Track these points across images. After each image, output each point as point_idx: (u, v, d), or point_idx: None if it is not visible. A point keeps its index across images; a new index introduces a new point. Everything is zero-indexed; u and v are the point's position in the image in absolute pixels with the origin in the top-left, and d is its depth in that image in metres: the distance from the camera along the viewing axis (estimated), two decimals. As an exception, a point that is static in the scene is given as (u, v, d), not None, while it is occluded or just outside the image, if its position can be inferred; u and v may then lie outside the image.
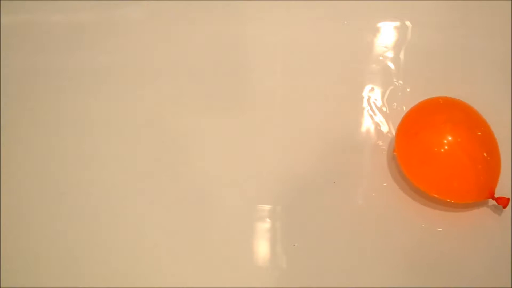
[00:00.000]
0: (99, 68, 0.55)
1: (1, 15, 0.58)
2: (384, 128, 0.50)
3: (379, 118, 0.51)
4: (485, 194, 0.44)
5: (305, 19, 0.57)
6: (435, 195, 0.45)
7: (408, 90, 0.52)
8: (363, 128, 0.51)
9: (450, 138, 0.44)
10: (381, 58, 0.54)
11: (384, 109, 0.51)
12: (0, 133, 0.51)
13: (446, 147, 0.44)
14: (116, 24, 0.58)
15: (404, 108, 0.51)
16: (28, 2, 0.58)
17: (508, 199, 0.44)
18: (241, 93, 0.53)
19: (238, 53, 0.55)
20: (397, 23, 0.56)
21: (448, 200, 0.45)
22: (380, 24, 0.56)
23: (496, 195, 0.44)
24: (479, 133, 0.45)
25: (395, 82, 0.53)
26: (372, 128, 0.50)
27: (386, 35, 0.55)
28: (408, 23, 0.56)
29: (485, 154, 0.44)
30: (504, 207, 0.44)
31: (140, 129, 0.52)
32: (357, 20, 0.56)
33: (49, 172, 0.50)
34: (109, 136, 0.51)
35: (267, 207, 0.47)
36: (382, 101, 0.51)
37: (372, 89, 0.52)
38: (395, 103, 0.51)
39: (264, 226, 0.47)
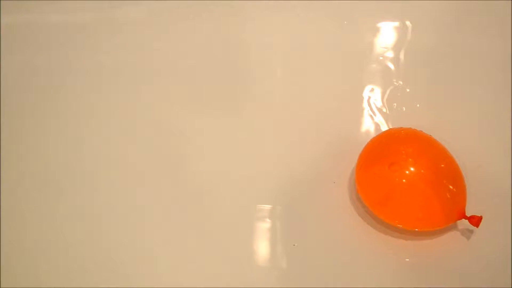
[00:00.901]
0: (99, 68, 0.55)
1: (1, 15, 0.58)
2: (384, 128, 0.50)
3: (379, 118, 0.51)
4: (456, 216, 0.43)
5: (305, 19, 0.57)
6: (400, 226, 0.45)
7: (408, 90, 0.52)
8: (363, 128, 0.51)
9: (412, 169, 0.44)
10: (381, 58, 0.54)
11: (384, 109, 0.51)
12: (0, 133, 0.51)
13: (408, 178, 0.43)
14: (116, 24, 0.58)
15: (404, 108, 0.51)
16: (28, 2, 0.58)
17: (481, 217, 0.43)
18: (241, 93, 0.53)
19: (238, 53, 0.55)
20: (397, 23, 0.56)
21: (416, 230, 0.45)
22: (380, 24, 0.56)
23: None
24: (442, 165, 0.45)
25: (395, 83, 0.53)
26: (372, 129, 0.50)
27: (386, 35, 0.55)
28: (408, 23, 0.56)
29: (450, 185, 0.44)
30: (477, 226, 0.43)
31: (139, 129, 0.52)
32: (357, 20, 0.56)
33: (49, 172, 0.50)
34: (108, 135, 0.52)
35: (267, 207, 0.47)
36: (382, 102, 0.52)
37: (372, 89, 0.52)
38: (395, 104, 0.51)
39: (264, 226, 0.47)
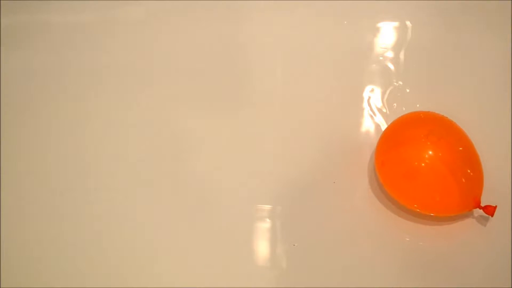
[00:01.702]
0: (99, 68, 0.55)
1: (1, 15, 0.58)
2: (384, 128, 0.50)
3: (379, 118, 0.51)
4: (471, 205, 0.44)
5: (305, 19, 0.57)
6: (417, 210, 0.45)
7: (408, 90, 0.52)
8: (363, 128, 0.51)
9: (430, 152, 0.44)
10: (381, 58, 0.54)
11: (384, 109, 0.51)
12: (0, 133, 0.51)
13: (427, 161, 0.44)
14: (116, 24, 0.58)
15: (404, 108, 0.51)
16: (28, 2, 0.58)
17: (495, 207, 0.43)
18: (241, 93, 0.53)
19: (238, 53, 0.55)
20: (397, 23, 0.56)
21: (432, 214, 0.45)
22: (380, 24, 0.56)
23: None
24: (461, 148, 0.45)
25: (395, 83, 0.53)
26: (372, 129, 0.50)
27: (386, 35, 0.55)
28: (408, 23, 0.56)
29: (467, 169, 0.44)
30: (491, 215, 0.44)
31: (139, 129, 0.52)
32: (357, 20, 0.56)
33: (49, 172, 0.50)
34: (109, 135, 0.52)
35: (267, 207, 0.47)
36: (382, 102, 0.52)
37: (372, 89, 0.52)
38: (395, 104, 0.51)
39: (264, 226, 0.47)
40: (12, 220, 0.48)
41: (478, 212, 0.45)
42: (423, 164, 0.44)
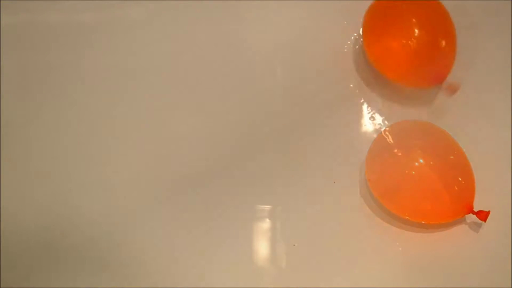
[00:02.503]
0: (99, 68, 0.55)
1: (1, 15, 0.58)
2: (382, 130, 0.50)
3: (378, 119, 0.51)
4: (463, 211, 0.44)
5: (305, 19, 0.57)
6: (408, 218, 0.45)
7: (408, 90, 0.52)
8: (363, 129, 0.51)
9: (421, 161, 0.44)
10: (381, 58, 0.54)
11: (384, 110, 0.51)
12: (0, 133, 0.51)
13: (418, 170, 0.44)
14: (116, 24, 0.58)
15: (404, 109, 0.51)
16: (28, 2, 0.58)
17: (488, 212, 0.43)
18: (241, 92, 0.53)
19: (238, 53, 0.55)
20: (397, 23, 0.56)
21: (423, 222, 0.45)
22: (380, 24, 0.56)
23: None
24: (452, 157, 0.45)
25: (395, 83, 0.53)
26: (371, 129, 0.50)
27: (386, 35, 0.55)
28: (408, 23, 0.56)
29: (459, 177, 0.44)
30: (484, 220, 0.44)
31: (139, 129, 0.52)
32: (357, 20, 0.56)
33: (48, 171, 0.50)
34: (108, 136, 0.52)
35: (267, 207, 0.47)
36: (382, 102, 0.51)
37: (372, 90, 0.52)
38: (395, 104, 0.51)
39: (264, 226, 0.47)
40: (12, 219, 0.48)
41: (471, 218, 0.45)
42: (413, 173, 0.44)
